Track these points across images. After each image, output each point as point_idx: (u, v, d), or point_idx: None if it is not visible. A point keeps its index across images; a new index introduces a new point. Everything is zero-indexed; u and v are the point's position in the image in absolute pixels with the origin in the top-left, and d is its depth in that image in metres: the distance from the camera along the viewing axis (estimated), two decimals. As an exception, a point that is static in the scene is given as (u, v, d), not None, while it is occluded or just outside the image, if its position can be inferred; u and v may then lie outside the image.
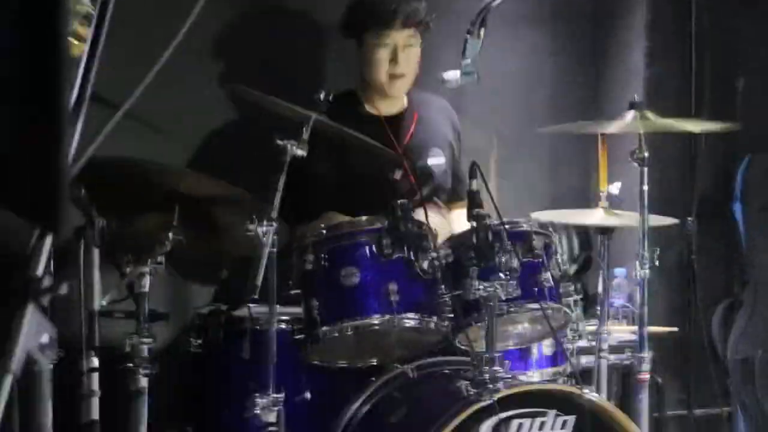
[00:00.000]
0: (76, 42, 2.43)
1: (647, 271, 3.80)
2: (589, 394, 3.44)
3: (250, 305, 3.59)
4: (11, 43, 1.26)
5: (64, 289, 1.73)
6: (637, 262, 3.79)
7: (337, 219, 3.94)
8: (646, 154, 3.80)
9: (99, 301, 3.24)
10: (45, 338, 1.70)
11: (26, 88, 1.27)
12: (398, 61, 4.16)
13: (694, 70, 4.27)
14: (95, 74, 1.61)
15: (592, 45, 5.06)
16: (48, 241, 1.57)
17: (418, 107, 4.35)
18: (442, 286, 3.50)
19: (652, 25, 4.83)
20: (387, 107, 4.29)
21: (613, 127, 3.88)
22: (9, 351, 1.59)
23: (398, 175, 3.73)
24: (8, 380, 1.58)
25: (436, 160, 4.30)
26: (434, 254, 3.50)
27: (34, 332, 1.62)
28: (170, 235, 3.47)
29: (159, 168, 3.60)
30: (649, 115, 3.81)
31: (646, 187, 3.80)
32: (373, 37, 4.16)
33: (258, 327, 3.59)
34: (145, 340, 3.43)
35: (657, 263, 3.81)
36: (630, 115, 3.82)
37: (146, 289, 3.43)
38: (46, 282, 1.68)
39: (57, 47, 1.27)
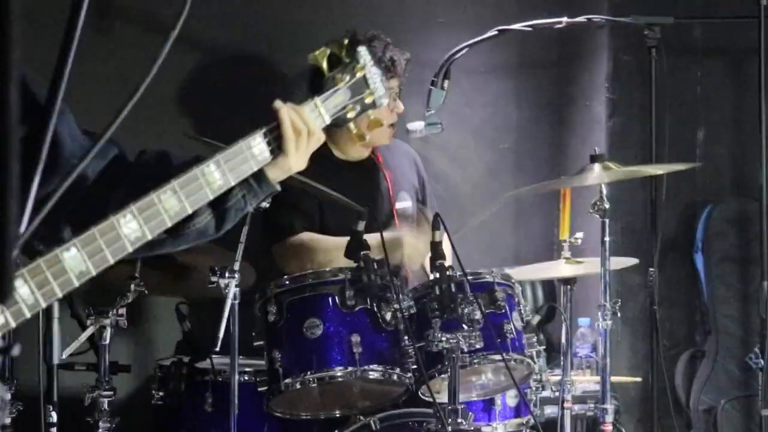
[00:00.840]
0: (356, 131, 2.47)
1: (609, 321, 3.80)
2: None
3: (213, 357, 3.60)
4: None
5: (16, 351, 1.71)
6: (600, 313, 3.79)
7: (313, 240, 3.95)
8: (607, 206, 3.81)
9: (59, 355, 3.22)
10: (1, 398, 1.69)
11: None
12: (398, 107, 4.17)
13: (655, 120, 4.31)
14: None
15: (555, 95, 5.10)
16: None
17: (383, 152, 4.35)
18: (405, 338, 3.49)
19: (614, 76, 4.88)
20: (356, 153, 4.29)
21: (575, 182, 3.90)
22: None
23: (362, 226, 3.73)
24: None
25: (403, 204, 4.31)
26: (397, 305, 3.50)
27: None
28: (132, 286, 3.46)
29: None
30: (612, 165, 3.83)
31: (608, 238, 3.82)
32: None
33: (220, 379, 3.60)
34: (106, 392, 3.41)
35: (619, 313, 3.82)
36: (593, 168, 3.83)
37: (107, 341, 3.41)
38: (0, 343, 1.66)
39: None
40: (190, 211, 2.06)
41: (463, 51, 4.36)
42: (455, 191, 4.71)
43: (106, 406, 3.40)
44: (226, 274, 3.34)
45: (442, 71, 4.34)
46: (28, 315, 1.85)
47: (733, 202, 4.96)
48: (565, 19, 4.31)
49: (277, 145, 2.22)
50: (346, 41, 2.43)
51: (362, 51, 2.43)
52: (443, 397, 3.50)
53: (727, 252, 4.91)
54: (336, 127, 3.76)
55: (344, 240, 3.94)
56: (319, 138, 2.32)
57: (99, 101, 3.82)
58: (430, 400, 3.54)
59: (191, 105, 4.46)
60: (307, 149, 2.29)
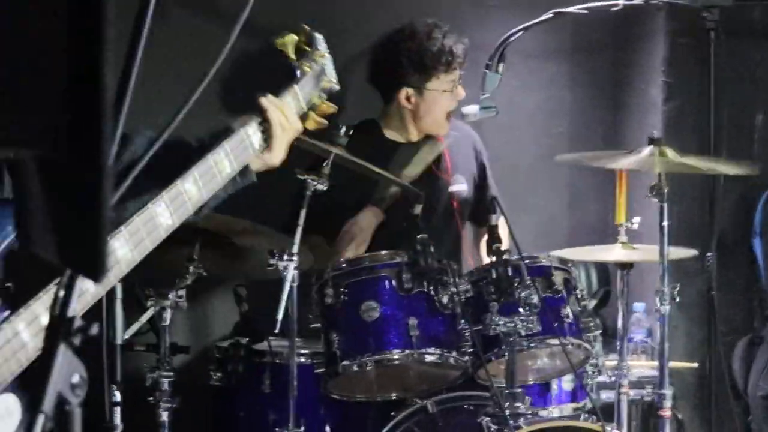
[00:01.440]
0: (315, 118, 2.53)
1: (668, 306, 3.77)
2: (612, 431, 3.42)
3: (271, 339, 3.61)
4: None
5: (95, 330, 1.73)
6: (658, 298, 3.76)
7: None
8: (666, 190, 3.78)
9: (121, 335, 3.24)
10: (76, 378, 1.71)
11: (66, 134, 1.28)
12: (459, 97, 4.18)
13: (713, 105, 4.26)
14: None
15: (610, 78, 5.06)
16: (78, 281, 1.57)
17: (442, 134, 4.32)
18: (462, 321, 3.49)
19: (671, 60, 4.83)
20: (410, 135, 4.28)
21: (631, 163, 3.87)
22: (41, 391, 1.59)
23: (418, 209, 3.73)
24: (40, 421, 1.58)
25: (458, 187, 4.30)
26: (454, 289, 3.50)
27: (65, 372, 1.62)
28: (191, 268, 3.47)
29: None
30: (668, 152, 3.79)
31: (666, 223, 3.78)
32: (437, 84, 4.14)
33: (278, 361, 3.62)
34: (166, 373, 3.43)
35: (677, 298, 3.78)
36: (648, 150, 3.80)
37: (167, 322, 3.43)
38: (78, 322, 1.68)
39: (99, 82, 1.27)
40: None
41: (518, 34, 4.33)
42: (509, 175, 4.69)
43: (166, 386, 3.42)
44: (285, 257, 3.34)
45: (496, 54, 4.32)
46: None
47: (792, 187, 4.90)
48: (621, 2, 4.27)
49: (264, 138, 2.25)
50: (307, 28, 2.47)
51: (320, 39, 2.48)
52: (500, 381, 3.50)
53: (786, 237, 4.87)
54: (389, 114, 3.78)
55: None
56: (299, 130, 2.39)
57: (154, 90, 3.85)
58: (487, 383, 3.56)
59: (239, 90, 4.45)
60: (288, 142, 2.35)
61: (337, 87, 2.55)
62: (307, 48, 2.51)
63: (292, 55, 2.49)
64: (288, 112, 2.37)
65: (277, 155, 2.37)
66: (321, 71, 2.50)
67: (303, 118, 2.56)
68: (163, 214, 2.04)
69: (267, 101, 2.35)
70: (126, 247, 1.95)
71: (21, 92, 1.29)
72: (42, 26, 1.28)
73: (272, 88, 2.49)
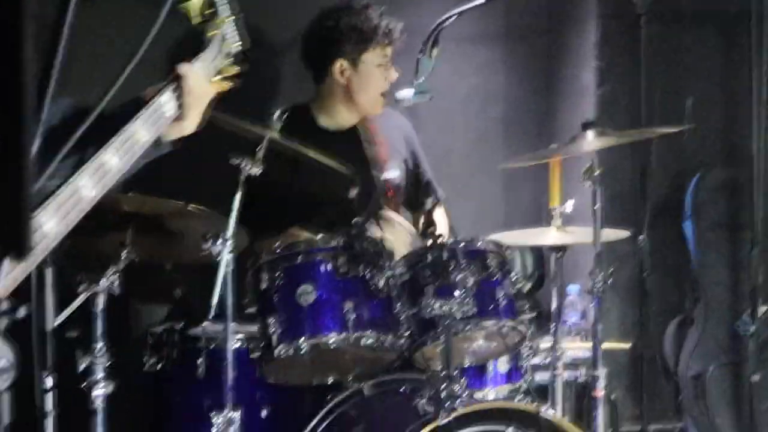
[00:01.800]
0: (218, 79, 2.50)
1: (601, 288, 3.80)
2: (547, 411, 3.44)
3: (206, 324, 3.58)
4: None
5: (22, 313, 1.71)
6: (591, 280, 3.79)
7: (300, 235, 3.93)
8: (599, 173, 3.80)
9: (52, 322, 3.20)
10: (3, 362, 1.69)
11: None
12: (391, 76, 4.19)
13: (644, 87, 4.30)
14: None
15: (544, 62, 5.09)
16: (5, 263, 1.54)
17: (375, 121, 4.34)
18: (398, 304, 3.50)
19: (603, 44, 4.87)
20: (344, 121, 4.28)
21: (568, 151, 3.89)
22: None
23: (353, 193, 3.72)
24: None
25: (391, 174, 4.30)
26: (390, 272, 3.50)
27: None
28: (124, 253, 3.43)
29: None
30: (603, 133, 3.82)
31: (599, 205, 3.81)
32: (372, 57, 4.16)
33: (213, 346, 3.59)
34: (100, 359, 3.39)
35: (611, 280, 3.82)
36: (585, 136, 3.82)
37: (100, 308, 3.39)
38: (4, 306, 1.66)
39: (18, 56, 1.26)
40: (125, 170, 2.12)
41: (452, 18, 4.32)
42: (444, 161, 4.70)
43: (100, 372, 3.38)
44: (219, 241, 3.32)
45: (430, 39, 4.31)
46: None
47: (722, 170, 4.96)
48: (554, -15, 4.28)
49: (178, 105, 2.29)
50: None
51: (220, 3, 2.47)
52: (436, 364, 3.52)
53: (716, 219, 4.92)
54: (321, 96, 3.78)
55: None
56: (210, 95, 2.39)
57: (86, 75, 3.79)
58: (424, 366, 3.57)
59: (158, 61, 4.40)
60: (202, 109, 2.37)
61: (241, 47, 2.53)
62: (210, 11, 2.49)
63: (194, 21, 2.48)
64: (199, 79, 2.35)
65: (191, 123, 2.36)
66: (223, 36, 2.49)
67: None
68: (86, 185, 2.03)
69: (185, 67, 2.33)
70: (53, 220, 1.93)
71: None
72: None
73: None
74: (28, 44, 1.25)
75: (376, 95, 4.20)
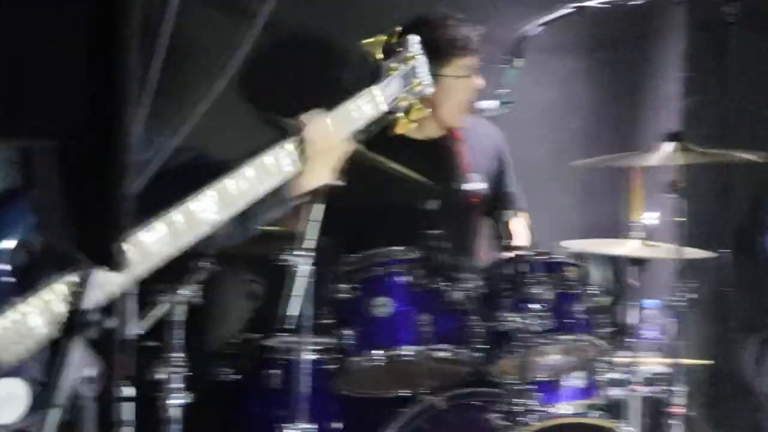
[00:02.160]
0: (403, 121, 2.48)
1: (682, 303, 3.75)
2: (624, 427, 3.41)
3: (282, 334, 3.60)
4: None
5: (112, 323, 1.75)
6: (673, 295, 3.74)
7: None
8: (683, 186, 3.74)
9: (134, 330, 3.23)
10: (90, 371, 1.73)
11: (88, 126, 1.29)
12: (476, 85, 4.13)
13: (731, 100, 4.21)
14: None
15: (629, 74, 5.02)
16: (96, 273, 1.58)
17: (465, 131, 4.28)
18: (474, 317, 3.48)
19: (690, 54, 4.79)
20: (431, 132, 4.23)
21: (651, 160, 3.84)
22: (56, 385, 1.61)
23: (433, 205, 3.72)
24: (56, 414, 1.60)
25: (475, 185, 4.26)
26: (467, 285, 3.49)
27: (80, 366, 1.65)
28: (205, 264, 3.46)
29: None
30: (688, 146, 3.76)
31: (683, 219, 3.75)
32: (453, 70, 4.10)
33: (289, 356, 3.59)
34: (178, 369, 3.42)
35: (692, 296, 3.76)
36: (668, 146, 3.77)
37: (180, 317, 3.42)
38: (94, 315, 1.69)
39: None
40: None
41: (537, 29, 4.29)
42: (523, 172, 4.66)
43: (178, 382, 3.42)
44: (298, 252, 3.34)
45: (514, 49, 4.28)
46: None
47: (805, 185, 4.86)
48: (642, -5, 4.22)
49: (301, 160, 2.23)
50: (398, 29, 2.43)
51: (412, 40, 2.43)
52: (512, 377, 3.51)
53: (798, 233, 4.83)
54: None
55: None
56: (345, 150, 2.29)
57: (175, 87, 3.82)
58: (499, 380, 3.55)
59: (255, 88, 4.43)
60: (329, 164, 2.26)
61: (431, 89, 2.49)
62: (398, 49, 2.47)
63: (378, 56, 2.44)
64: (325, 133, 2.25)
65: (312, 178, 2.27)
66: (410, 72, 2.45)
67: (393, 121, 2.51)
68: (209, 209, 2.02)
69: (306, 119, 2.26)
70: (160, 241, 1.95)
71: (42, 84, 1.30)
72: (66, 30, 1.29)
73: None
74: (131, 58, 1.27)
75: (459, 107, 4.14)
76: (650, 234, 4.01)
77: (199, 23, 4.18)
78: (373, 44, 2.44)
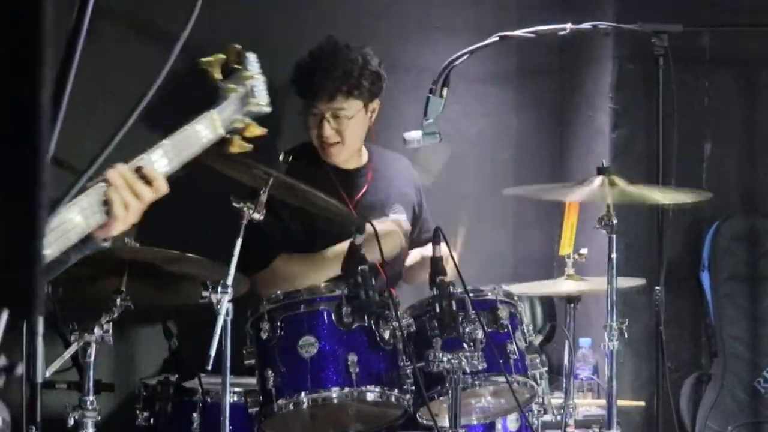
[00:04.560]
0: (238, 141, 2.33)
1: (615, 342, 3.67)
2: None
3: (202, 376, 3.47)
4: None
5: (20, 371, 1.59)
6: (606, 333, 3.66)
7: (291, 262, 3.84)
8: (615, 221, 3.68)
9: (42, 373, 3.05)
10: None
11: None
12: (323, 131, 4.05)
13: (661, 133, 4.16)
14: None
15: (557, 104, 4.98)
16: (2, 318, 1.42)
17: (379, 163, 4.25)
18: (404, 357, 3.38)
19: (619, 86, 4.75)
20: (344, 162, 4.17)
21: (580, 195, 3.77)
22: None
23: (360, 239, 3.60)
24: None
25: (396, 216, 4.18)
26: (396, 323, 3.37)
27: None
28: (118, 300, 3.31)
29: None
30: (618, 181, 3.70)
31: (614, 255, 3.68)
32: (305, 105, 4.10)
33: (209, 399, 3.49)
34: (90, 413, 3.27)
35: (626, 334, 3.68)
36: (598, 180, 3.71)
37: (92, 358, 3.27)
38: (1, 362, 1.55)
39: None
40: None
41: (463, 58, 4.19)
42: (452, 204, 4.57)
43: (90, 426, 3.26)
44: (219, 289, 3.20)
45: (440, 78, 4.18)
46: None
47: (742, 219, 4.84)
48: (569, 26, 4.14)
49: (105, 210, 2.09)
50: (237, 47, 2.31)
51: (252, 58, 2.34)
52: (443, 421, 3.39)
53: (735, 270, 4.80)
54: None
55: (317, 255, 3.83)
56: (160, 191, 2.16)
57: (85, 107, 3.67)
58: (429, 423, 3.43)
59: (175, 112, 4.28)
60: (141, 207, 2.14)
61: (268, 110, 2.38)
62: (237, 67, 2.36)
63: (216, 76, 2.33)
64: (136, 185, 2.11)
65: (120, 225, 2.12)
66: (247, 93, 2.33)
67: (226, 142, 2.38)
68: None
69: (114, 172, 2.09)
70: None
71: None
72: None
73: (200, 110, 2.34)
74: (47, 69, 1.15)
75: (316, 141, 4.12)
76: (581, 270, 3.93)
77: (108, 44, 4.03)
78: (211, 63, 2.32)
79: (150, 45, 3.92)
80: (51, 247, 1.97)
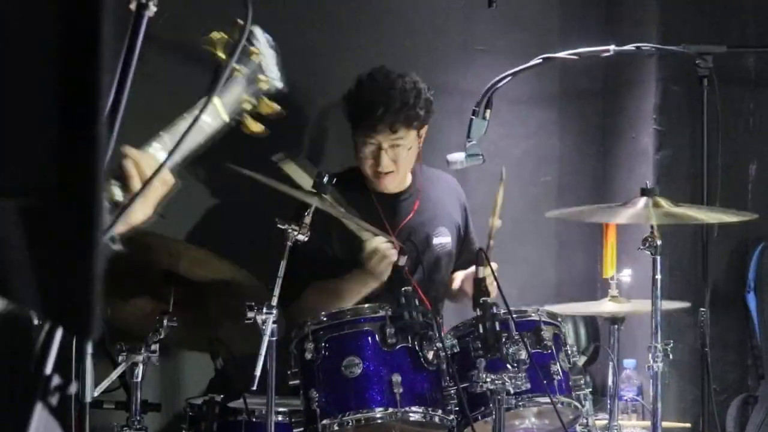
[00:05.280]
0: (250, 122, 2.24)
1: (660, 363, 3.64)
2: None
3: (246, 396, 3.47)
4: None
5: (73, 389, 1.62)
6: (650, 355, 3.64)
7: (320, 292, 3.86)
8: (659, 242, 3.66)
9: (91, 393, 3.08)
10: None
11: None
12: (381, 162, 4.01)
13: (706, 154, 4.15)
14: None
15: (600, 126, 4.97)
16: (57, 336, 1.47)
17: (424, 184, 4.22)
18: (448, 378, 3.38)
19: (663, 107, 4.74)
20: (393, 186, 4.13)
21: (624, 216, 3.76)
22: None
23: (403, 261, 3.60)
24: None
25: (441, 239, 4.17)
26: (440, 344, 3.38)
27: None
28: (165, 321, 3.34)
29: (160, 238, 3.38)
30: (662, 202, 3.68)
31: (659, 276, 3.66)
32: (359, 135, 4.03)
33: (254, 419, 3.48)
34: (138, 431, 3.28)
35: (670, 355, 3.66)
36: (641, 202, 3.69)
37: (139, 378, 3.29)
38: (56, 380, 1.57)
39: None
40: None
41: (506, 80, 4.21)
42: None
43: (138, 445, 3.28)
44: (264, 310, 3.21)
45: (483, 100, 4.20)
46: None
47: (788, 239, 4.81)
48: (612, 48, 4.16)
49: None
50: (240, 22, 2.01)
51: (258, 33, 2.22)
52: (487, 441, 3.37)
53: (781, 290, 4.77)
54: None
55: (344, 282, 3.83)
56: (170, 182, 2.07)
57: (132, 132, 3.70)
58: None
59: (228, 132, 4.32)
60: (154, 197, 2.06)
61: (280, 85, 2.24)
62: (242, 44, 2.19)
63: (221, 55, 2.18)
64: (150, 166, 2.00)
65: (138, 214, 2.04)
66: (256, 70, 2.21)
67: (241, 123, 2.27)
68: None
69: (127, 152, 2.00)
70: None
71: (8, 139, 1.20)
72: (32, 73, 1.16)
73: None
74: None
75: (368, 170, 4.06)
76: (625, 292, 3.92)
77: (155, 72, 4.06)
78: (215, 42, 2.17)
79: (195, 71, 3.96)
80: None
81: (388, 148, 3.99)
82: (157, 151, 2.07)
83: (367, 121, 3.96)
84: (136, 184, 2.00)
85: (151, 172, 1.99)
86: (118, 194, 2.00)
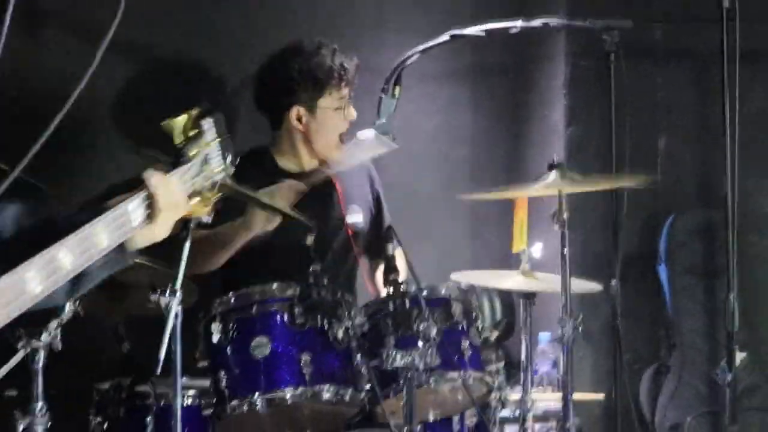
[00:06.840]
0: (195, 202, 2.32)
1: (571, 336, 3.67)
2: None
3: (154, 379, 3.45)
4: None
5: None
6: (561, 328, 3.66)
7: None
8: (567, 216, 3.68)
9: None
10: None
11: None
12: (350, 111, 4.04)
13: (615, 128, 4.17)
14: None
15: (511, 101, 4.99)
16: None
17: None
18: (358, 356, 3.37)
19: (572, 83, 4.76)
20: (304, 163, 4.12)
21: (533, 190, 3.78)
22: None
23: (310, 240, 3.58)
24: None
25: (355, 218, 4.16)
26: (349, 323, 3.36)
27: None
28: (67, 306, 3.27)
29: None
30: (571, 175, 3.71)
31: (567, 250, 3.69)
32: (329, 101, 4.01)
33: (162, 402, 3.46)
34: (40, 420, 3.21)
35: (581, 328, 3.68)
36: (551, 176, 3.71)
37: (41, 364, 3.22)
38: None
39: None
40: (77, 272, 1.94)
41: (415, 57, 4.20)
42: (408, 203, 4.56)
43: (41, 432, 3.21)
44: (167, 293, 3.17)
45: (392, 78, 4.19)
46: None
47: (697, 212, 4.87)
48: (519, 23, 4.15)
49: (147, 215, 2.12)
50: (194, 112, 2.28)
51: (210, 123, 2.32)
52: (399, 418, 3.37)
53: (691, 263, 4.83)
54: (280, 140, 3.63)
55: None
56: (186, 208, 2.23)
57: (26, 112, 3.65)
58: (385, 421, 3.42)
59: (127, 118, 4.28)
60: (173, 218, 2.19)
61: (222, 175, 2.37)
62: (193, 132, 2.33)
63: (177, 140, 2.30)
64: (175, 190, 2.17)
65: (160, 231, 2.16)
66: (204, 160, 2.32)
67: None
68: (34, 279, 1.85)
69: (151, 173, 2.14)
70: None
71: None
72: None
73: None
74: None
75: (335, 138, 4.06)
76: (537, 266, 3.93)
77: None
78: (172, 127, 2.31)
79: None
80: (76, 260, 1.93)
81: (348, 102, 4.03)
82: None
83: (338, 77, 3.97)
84: (162, 206, 2.13)
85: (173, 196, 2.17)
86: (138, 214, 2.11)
